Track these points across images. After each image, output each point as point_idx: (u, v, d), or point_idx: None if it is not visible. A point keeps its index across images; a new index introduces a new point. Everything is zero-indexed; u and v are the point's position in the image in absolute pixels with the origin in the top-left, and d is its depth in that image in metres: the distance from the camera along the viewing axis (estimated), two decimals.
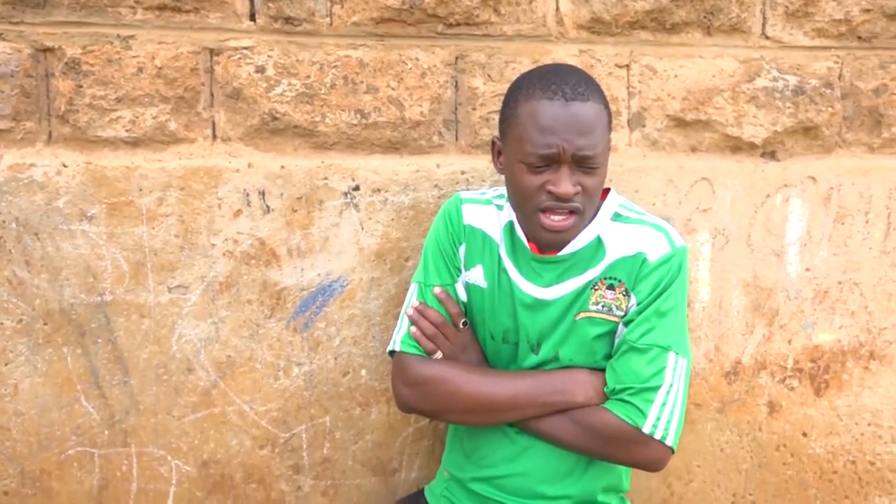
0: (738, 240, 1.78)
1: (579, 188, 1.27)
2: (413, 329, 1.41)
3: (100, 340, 1.57)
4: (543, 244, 1.35)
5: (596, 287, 1.35)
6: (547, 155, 1.25)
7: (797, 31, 1.75)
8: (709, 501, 1.89)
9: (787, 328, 1.84)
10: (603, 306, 1.35)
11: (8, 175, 1.49)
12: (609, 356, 1.36)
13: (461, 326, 1.43)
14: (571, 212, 1.29)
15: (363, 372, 1.69)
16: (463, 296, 1.45)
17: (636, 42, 1.71)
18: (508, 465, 1.39)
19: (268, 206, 1.60)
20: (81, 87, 1.50)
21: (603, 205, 1.39)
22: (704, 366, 1.82)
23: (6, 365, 1.55)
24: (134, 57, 1.52)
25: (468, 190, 1.62)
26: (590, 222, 1.37)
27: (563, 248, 1.36)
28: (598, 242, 1.37)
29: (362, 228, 1.64)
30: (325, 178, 1.61)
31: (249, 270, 1.61)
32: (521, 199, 1.31)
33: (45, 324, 1.55)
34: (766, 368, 1.85)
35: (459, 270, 1.45)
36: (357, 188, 1.63)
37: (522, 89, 1.29)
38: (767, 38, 1.75)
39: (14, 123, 1.50)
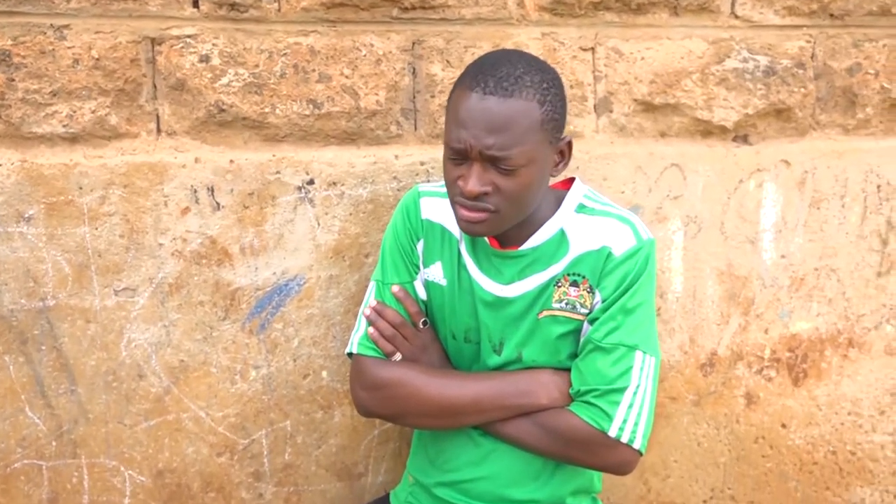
0: (710, 227, 1.72)
1: (489, 188, 1.18)
2: (371, 330, 1.34)
3: (43, 347, 1.50)
4: (467, 234, 1.28)
5: (559, 284, 1.29)
6: (457, 149, 1.18)
7: (767, 10, 1.69)
8: (686, 497, 1.84)
9: (764, 317, 1.78)
10: (567, 304, 1.29)
11: None
12: (574, 355, 1.30)
13: (421, 326, 1.36)
14: (485, 209, 1.20)
15: (324, 374, 1.63)
16: (422, 294, 1.39)
17: (601, 24, 1.64)
18: (473, 469, 1.33)
19: (217, 203, 1.52)
20: (13, 80, 1.42)
21: (567, 195, 1.33)
22: (679, 358, 1.76)
23: None
24: (69, 48, 1.43)
25: (428, 182, 1.55)
26: (552, 216, 1.30)
27: (523, 242, 1.30)
28: (562, 236, 1.30)
29: (318, 224, 1.57)
30: (278, 172, 1.54)
31: (200, 270, 1.54)
32: (446, 189, 1.25)
33: None
34: (742, 359, 1.80)
35: (418, 268, 1.39)
36: (312, 182, 1.55)
37: (462, 76, 1.22)
38: (737, 17, 1.69)
39: None
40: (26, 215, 1.45)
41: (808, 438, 1.85)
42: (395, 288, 1.35)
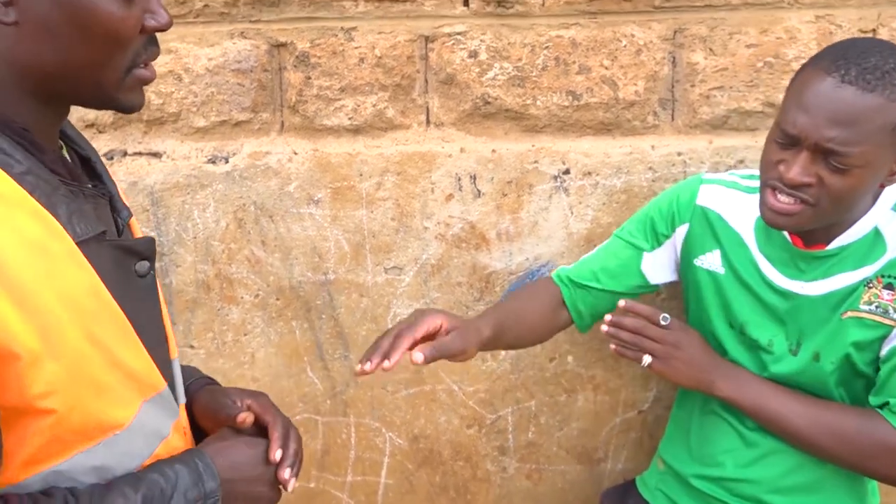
0: None
1: (813, 180, 1.10)
2: (612, 347, 1.32)
3: (324, 316, 1.68)
4: (768, 225, 1.20)
5: (870, 285, 1.19)
6: (790, 133, 1.10)
7: None
8: None
9: None
10: (877, 307, 1.18)
11: (248, 162, 1.63)
12: (872, 363, 1.22)
13: (662, 323, 1.31)
14: (803, 201, 1.13)
15: (570, 358, 1.67)
16: (654, 276, 1.40)
17: (885, 2, 1.51)
18: (741, 470, 1.30)
19: (478, 190, 1.61)
20: (310, 78, 1.60)
21: (884, 191, 1.21)
22: None
23: (245, 335, 1.70)
24: (356, 48, 1.59)
25: (715, 173, 1.52)
26: (866, 213, 1.20)
27: (830, 241, 1.21)
28: (876, 235, 1.20)
29: (572, 213, 1.61)
30: (536, 162, 1.60)
31: (460, 253, 1.64)
32: (760, 171, 1.19)
33: (278, 299, 1.68)
34: None
35: (658, 243, 1.38)
36: (567, 171, 1.60)
37: (819, 56, 1.13)
38: None
39: (252, 115, 1.63)
40: (315, 198, 1.63)
41: None
42: (621, 303, 1.33)
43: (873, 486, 1.34)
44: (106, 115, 1.65)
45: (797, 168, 1.10)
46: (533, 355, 1.67)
